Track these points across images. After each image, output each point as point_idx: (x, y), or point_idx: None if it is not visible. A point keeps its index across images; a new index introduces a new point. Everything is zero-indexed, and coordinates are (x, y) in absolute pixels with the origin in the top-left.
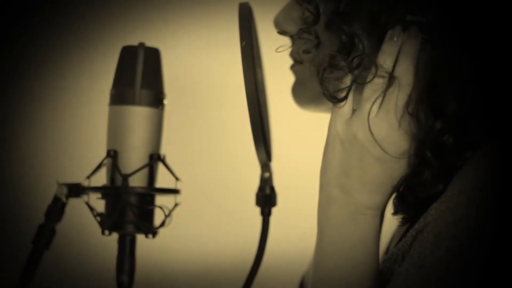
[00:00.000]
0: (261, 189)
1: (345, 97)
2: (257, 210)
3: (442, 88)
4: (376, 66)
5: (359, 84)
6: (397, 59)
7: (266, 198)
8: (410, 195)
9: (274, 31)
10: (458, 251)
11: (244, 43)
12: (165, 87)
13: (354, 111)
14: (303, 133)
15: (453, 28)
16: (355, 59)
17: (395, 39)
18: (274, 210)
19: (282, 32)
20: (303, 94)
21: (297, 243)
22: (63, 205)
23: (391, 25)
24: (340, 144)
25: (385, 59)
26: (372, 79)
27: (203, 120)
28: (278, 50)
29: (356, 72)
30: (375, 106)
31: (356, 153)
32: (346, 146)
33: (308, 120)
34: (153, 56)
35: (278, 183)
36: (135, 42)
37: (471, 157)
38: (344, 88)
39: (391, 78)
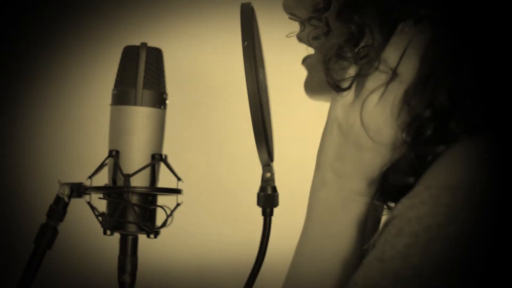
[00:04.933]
0: (262, 189)
1: (348, 87)
2: (259, 210)
3: (438, 80)
4: (380, 60)
5: (362, 76)
6: (404, 52)
7: (267, 198)
8: (384, 181)
9: (275, 31)
10: (417, 247)
11: (246, 43)
12: (167, 87)
13: (355, 98)
14: (305, 133)
15: (461, 24)
16: (362, 51)
17: (405, 31)
18: (276, 210)
19: (292, 16)
20: (315, 86)
21: None
22: (65, 205)
23: (402, 18)
24: (338, 129)
25: (391, 54)
26: (373, 72)
27: (205, 120)
28: (288, 35)
29: (361, 63)
30: (375, 96)
31: (352, 139)
32: (343, 132)
33: (310, 120)
34: (155, 56)
35: (279, 183)
36: (137, 42)
37: (442, 154)
38: (348, 78)
39: (394, 74)
